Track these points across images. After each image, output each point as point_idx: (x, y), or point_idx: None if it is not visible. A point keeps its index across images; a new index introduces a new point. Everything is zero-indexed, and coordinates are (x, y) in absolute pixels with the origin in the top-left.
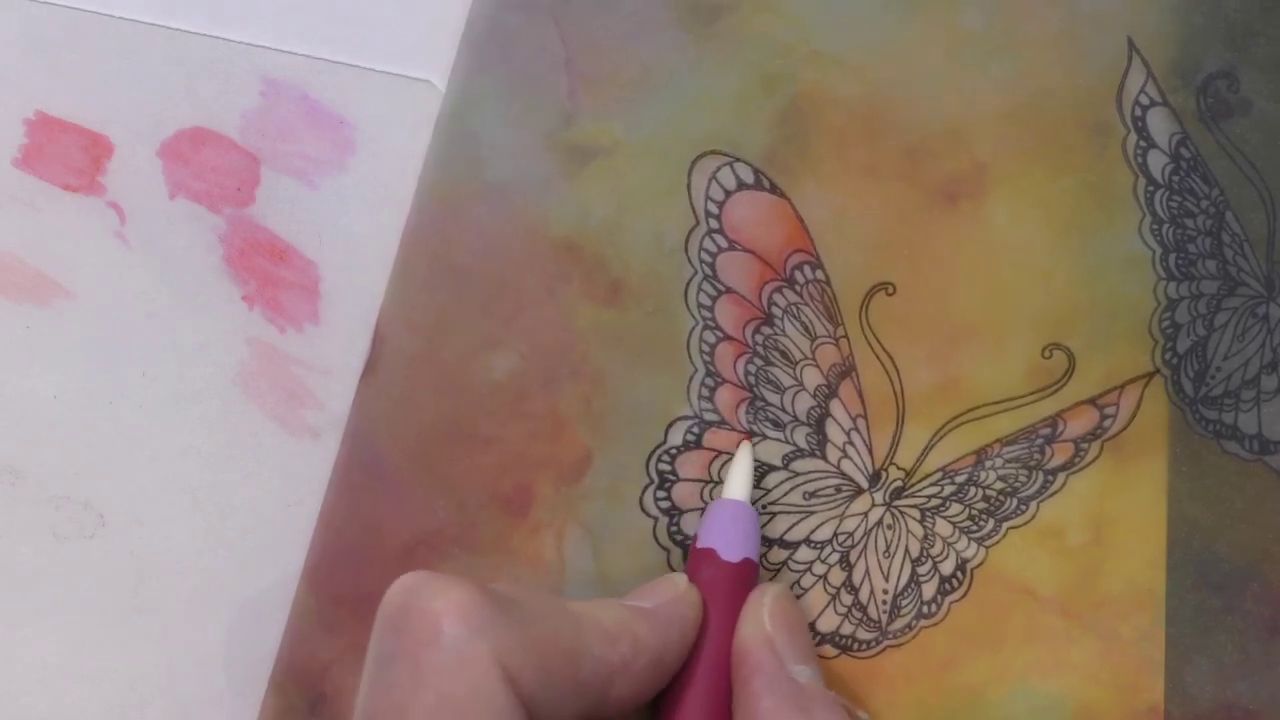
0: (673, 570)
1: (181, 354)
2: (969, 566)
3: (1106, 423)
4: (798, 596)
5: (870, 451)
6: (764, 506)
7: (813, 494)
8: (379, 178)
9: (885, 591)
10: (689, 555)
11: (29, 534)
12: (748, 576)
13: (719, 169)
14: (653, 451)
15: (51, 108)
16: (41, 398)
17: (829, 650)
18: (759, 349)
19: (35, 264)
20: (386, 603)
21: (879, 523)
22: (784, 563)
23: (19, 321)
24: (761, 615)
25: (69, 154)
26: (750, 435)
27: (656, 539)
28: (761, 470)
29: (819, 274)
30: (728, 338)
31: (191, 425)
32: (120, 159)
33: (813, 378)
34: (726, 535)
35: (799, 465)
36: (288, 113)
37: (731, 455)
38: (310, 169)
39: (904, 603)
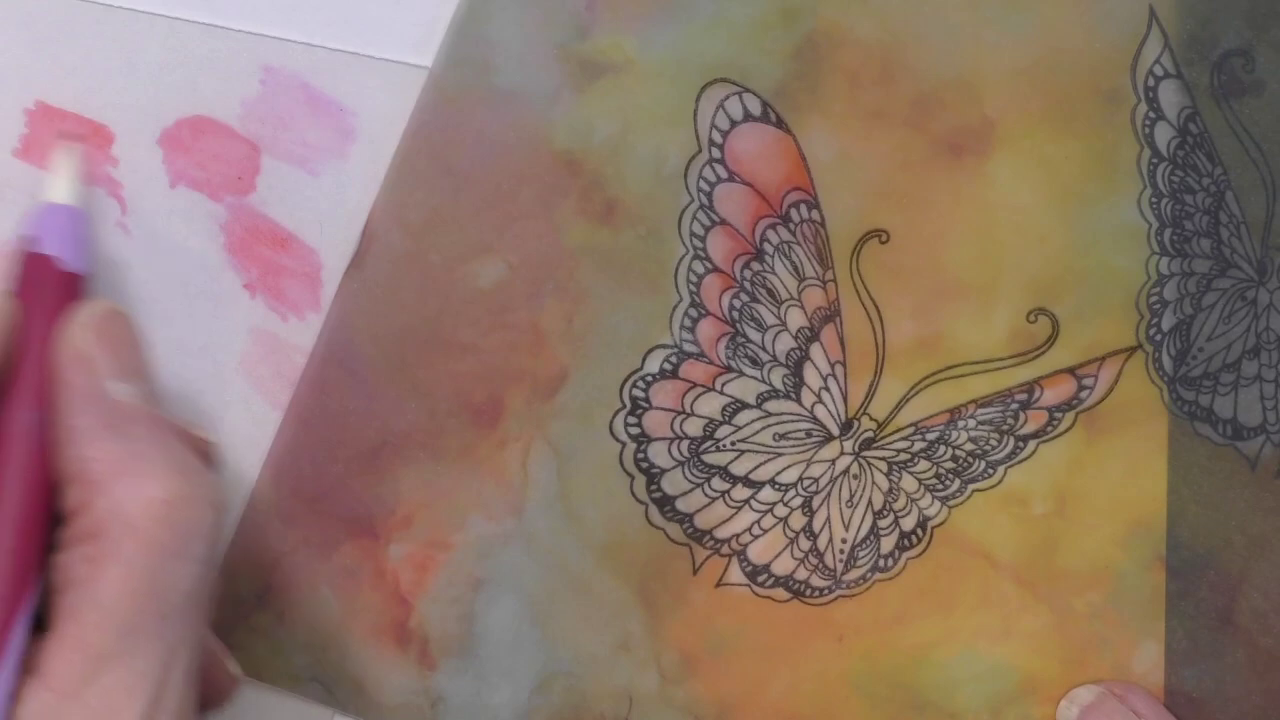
0: (638, 502)
1: (184, 343)
2: (930, 525)
3: (1083, 394)
4: (756, 537)
5: (845, 399)
6: (734, 443)
7: (783, 436)
8: (380, 165)
9: (844, 541)
10: (17, 262)
11: None
12: (80, 289)
13: (727, 98)
14: (628, 377)
15: (52, 98)
16: None
17: (781, 594)
18: (746, 284)
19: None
20: None
21: (845, 471)
22: (746, 501)
23: None
24: (78, 330)
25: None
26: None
27: (622, 464)
28: (735, 407)
29: (814, 214)
30: (716, 270)
31: (195, 414)
32: (121, 148)
33: (796, 319)
34: (68, 242)
35: (772, 406)
36: (288, 101)
37: (707, 390)
38: (311, 156)
39: (861, 554)
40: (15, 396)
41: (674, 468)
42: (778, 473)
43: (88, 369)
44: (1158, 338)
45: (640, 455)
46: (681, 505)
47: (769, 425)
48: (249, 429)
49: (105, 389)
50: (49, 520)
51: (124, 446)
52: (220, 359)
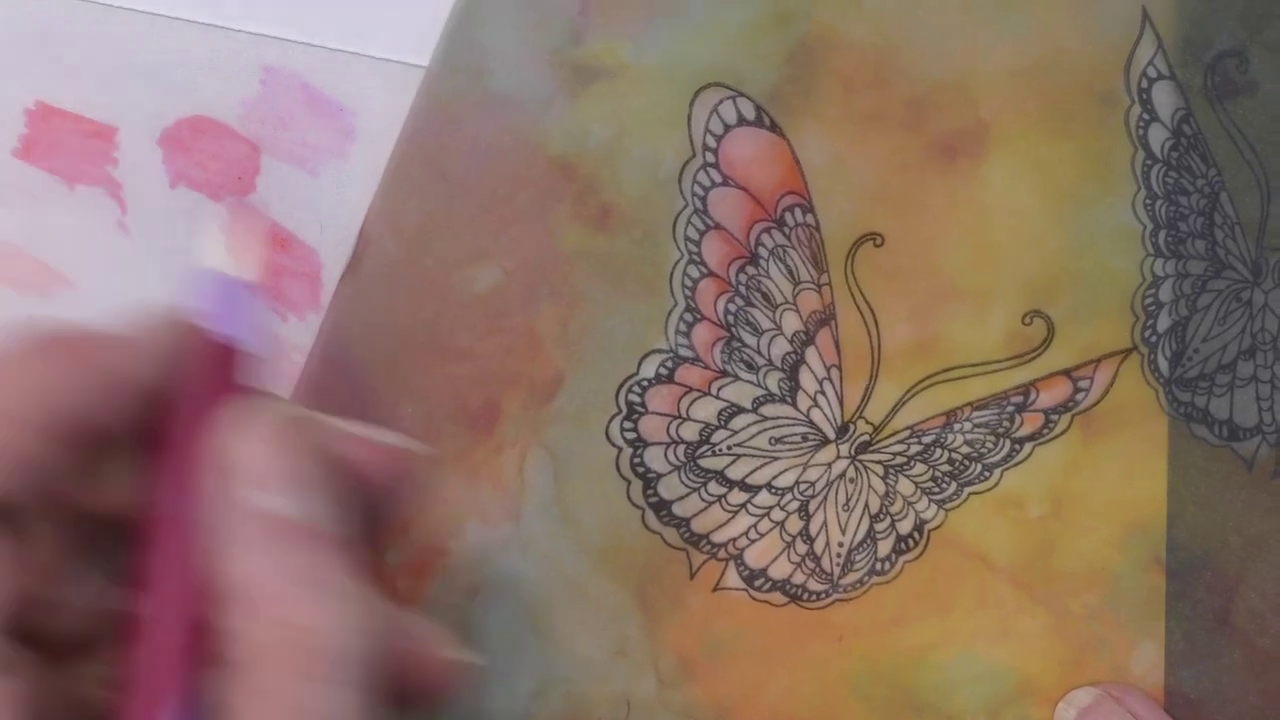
0: (634, 506)
1: None
2: (926, 528)
3: (1079, 396)
4: (753, 541)
5: (841, 403)
6: (729, 448)
7: (779, 440)
8: (380, 165)
9: (841, 544)
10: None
11: None
12: (251, 372)
13: (721, 102)
14: (624, 381)
15: (52, 97)
16: None
17: (778, 598)
18: (741, 289)
19: (36, 254)
20: None
21: (842, 475)
22: (743, 505)
23: (21, 312)
24: (250, 434)
25: (70, 144)
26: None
27: (618, 469)
28: (731, 411)
29: (809, 218)
30: (711, 274)
31: None
32: (121, 148)
33: (791, 323)
34: (244, 321)
35: (768, 410)
36: (288, 101)
37: (703, 394)
38: (311, 156)
39: (858, 558)
40: (169, 482)
41: (670, 472)
42: (774, 477)
43: (252, 477)
44: (1153, 339)
45: (636, 460)
46: (678, 509)
47: (765, 429)
48: None
49: (268, 502)
50: (194, 633)
51: (276, 567)
52: None
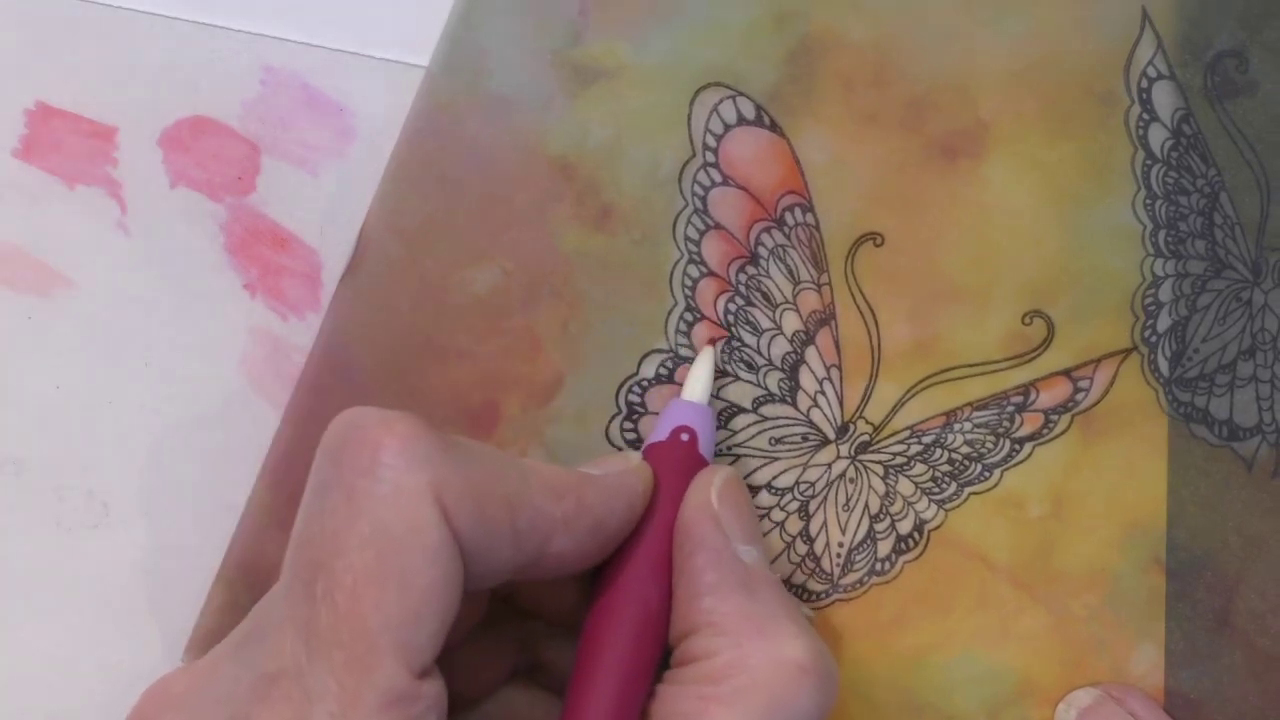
0: None
1: (183, 343)
2: (927, 528)
3: (1079, 396)
4: None
5: (841, 403)
6: (729, 448)
7: (779, 440)
8: (380, 164)
9: (841, 545)
10: (646, 446)
11: (33, 524)
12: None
13: (721, 102)
14: (624, 382)
15: (52, 98)
16: (44, 388)
17: None
18: (741, 288)
19: (36, 254)
20: (329, 434)
21: (841, 475)
22: None
23: (20, 312)
24: (709, 493)
25: (69, 144)
26: (717, 340)
27: None
28: (730, 412)
29: (809, 218)
30: (711, 274)
31: (194, 414)
32: (121, 148)
33: (791, 323)
34: (705, 435)
35: (768, 410)
36: (288, 101)
37: None
38: (311, 157)
39: (858, 558)
40: (638, 554)
41: None
42: (774, 477)
43: (720, 529)
44: (1153, 339)
45: None
46: None
47: (765, 430)
48: (248, 429)
49: (735, 550)
50: (658, 658)
51: (756, 606)
52: (220, 359)
